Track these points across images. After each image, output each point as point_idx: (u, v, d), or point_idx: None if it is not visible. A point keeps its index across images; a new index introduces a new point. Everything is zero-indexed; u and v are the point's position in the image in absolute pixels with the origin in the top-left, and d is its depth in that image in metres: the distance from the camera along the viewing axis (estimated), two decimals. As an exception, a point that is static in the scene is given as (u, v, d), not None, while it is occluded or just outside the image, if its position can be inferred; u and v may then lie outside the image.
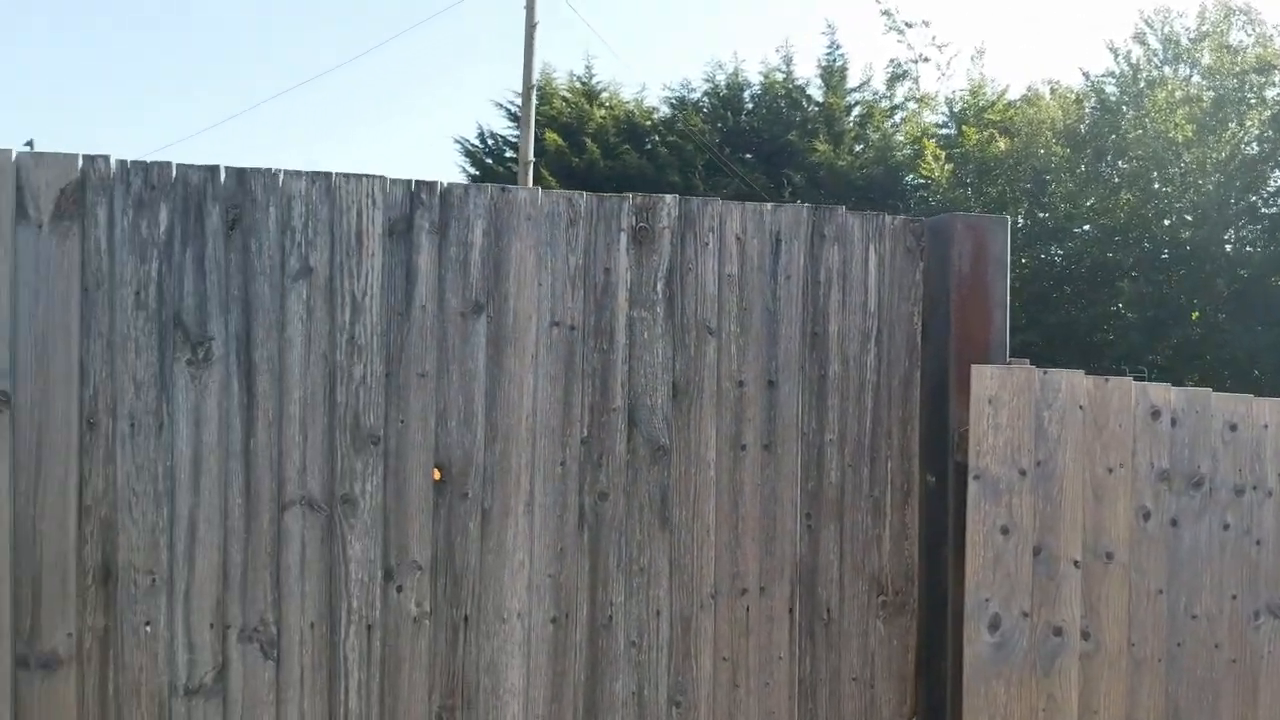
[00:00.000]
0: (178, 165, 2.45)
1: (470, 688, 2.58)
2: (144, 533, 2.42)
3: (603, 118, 18.77)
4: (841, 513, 2.80)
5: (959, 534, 2.72)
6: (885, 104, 19.41)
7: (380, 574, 2.53)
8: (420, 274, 2.57)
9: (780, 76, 19.17)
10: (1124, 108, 15.40)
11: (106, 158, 2.42)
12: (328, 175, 2.53)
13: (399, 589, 2.54)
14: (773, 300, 2.76)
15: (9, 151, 2.39)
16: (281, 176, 2.50)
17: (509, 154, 19.50)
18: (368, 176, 2.56)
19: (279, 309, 2.49)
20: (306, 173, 2.52)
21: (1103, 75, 16.44)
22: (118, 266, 2.41)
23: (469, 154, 20.42)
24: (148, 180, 2.43)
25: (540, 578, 2.62)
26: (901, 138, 18.56)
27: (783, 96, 18.97)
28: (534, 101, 16.40)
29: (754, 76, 19.44)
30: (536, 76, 16.87)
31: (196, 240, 2.45)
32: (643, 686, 2.67)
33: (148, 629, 2.42)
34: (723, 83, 19.32)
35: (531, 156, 16.16)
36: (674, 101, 19.41)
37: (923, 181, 17.11)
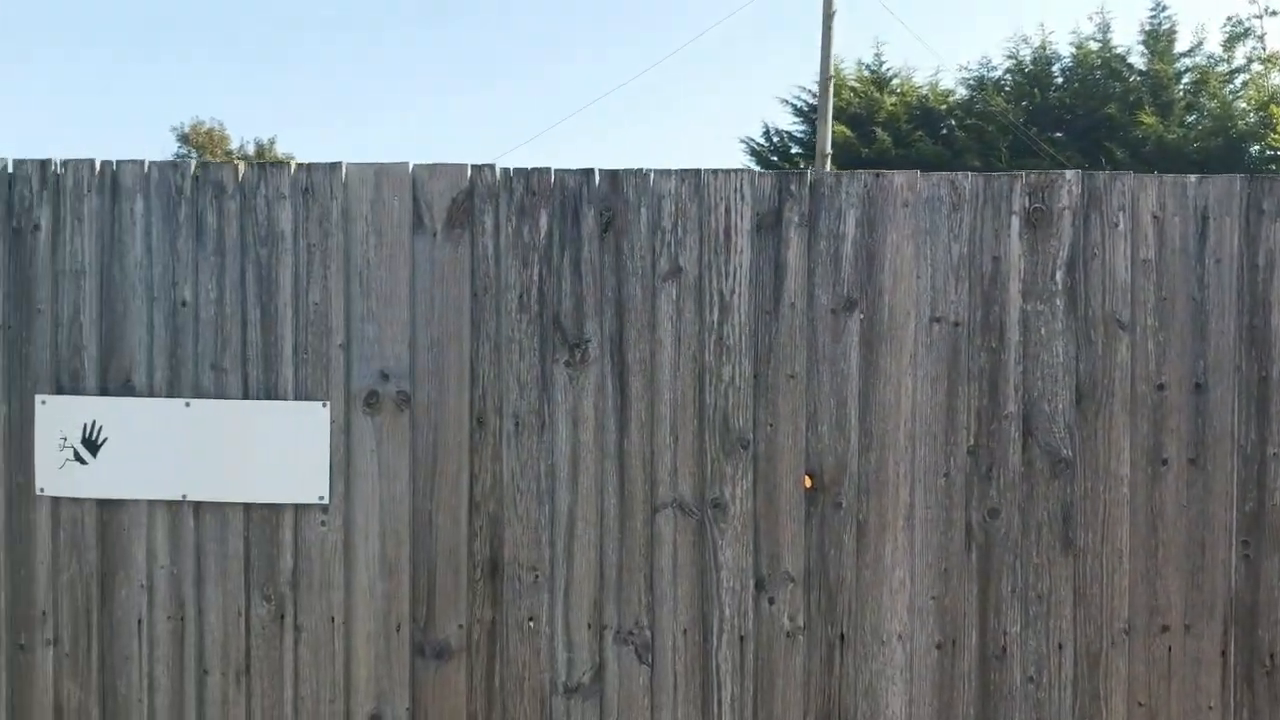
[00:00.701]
0: (555, 171, 2.49)
1: (847, 711, 2.41)
2: (527, 529, 2.48)
3: (893, 105, 18.02)
4: (1292, 542, 2.34)
5: None
6: (1223, 68, 17.11)
7: (752, 583, 2.43)
8: (789, 270, 2.44)
9: (1095, 46, 17.46)
10: None
11: (492, 166, 2.51)
12: (696, 173, 2.47)
13: (771, 600, 2.43)
14: (1199, 289, 2.36)
15: (406, 164, 2.53)
16: (652, 176, 2.47)
17: (794, 150, 19.26)
18: (735, 171, 2.47)
19: (650, 310, 2.46)
20: (676, 171, 2.47)
21: None
22: (503, 271, 2.49)
23: (754, 152, 20.41)
24: (529, 187, 2.49)
25: (922, 599, 2.40)
26: (1244, 104, 16.25)
27: (1099, 67, 17.26)
28: (831, 92, 16.05)
29: (1064, 48, 17.87)
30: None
31: (573, 243, 2.48)
32: (1042, 728, 2.37)
33: (530, 624, 2.47)
34: (1027, 58, 17.90)
35: (829, 149, 15.84)
36: (972, 82, 18.25)
37: (1273, 153, 14.86)
